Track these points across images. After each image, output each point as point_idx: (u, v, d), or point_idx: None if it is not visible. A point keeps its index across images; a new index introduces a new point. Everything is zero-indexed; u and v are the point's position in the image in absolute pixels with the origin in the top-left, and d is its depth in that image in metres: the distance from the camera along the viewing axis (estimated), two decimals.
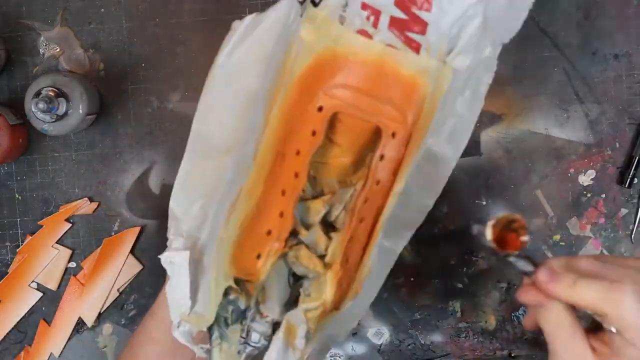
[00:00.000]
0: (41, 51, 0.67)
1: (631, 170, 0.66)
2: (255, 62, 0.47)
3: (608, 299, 0.43)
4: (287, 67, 0.46)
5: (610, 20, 0.66)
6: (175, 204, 0.48)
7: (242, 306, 0.46)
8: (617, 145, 0.66)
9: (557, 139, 0.66)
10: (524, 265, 0.45)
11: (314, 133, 0.46)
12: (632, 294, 0.43)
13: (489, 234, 0.44)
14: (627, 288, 0.43)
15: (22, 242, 0.67)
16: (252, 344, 0.46)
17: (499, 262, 0.67)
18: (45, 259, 0.67)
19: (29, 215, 0.67)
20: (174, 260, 0.46)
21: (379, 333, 0.67)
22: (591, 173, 0.67)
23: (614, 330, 0.44)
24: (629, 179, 0.66)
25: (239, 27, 0.48)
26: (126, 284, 0.67)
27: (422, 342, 0.68)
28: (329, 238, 0.47)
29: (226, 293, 0.45)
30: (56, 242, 0.67)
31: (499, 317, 0.67)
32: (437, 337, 0.68)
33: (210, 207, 0.47)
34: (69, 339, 0.67)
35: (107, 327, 0.68)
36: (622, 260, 0.47)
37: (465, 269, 0.67)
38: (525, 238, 0.44)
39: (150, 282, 0.68)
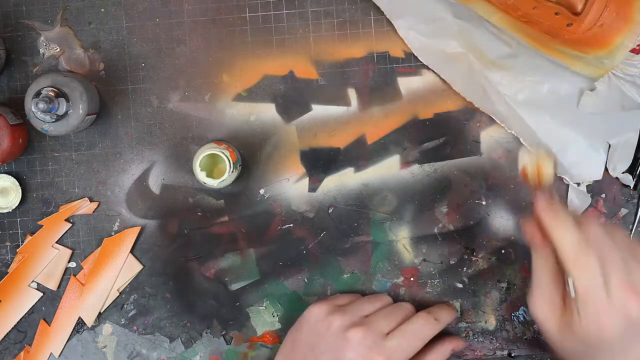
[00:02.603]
0: (41, 51, 0.67)
1: (636, 171, 0.65)
2: None
3: (576, 257, 0.46)
4: None
5: None
6: None
7: None
8: None
9: None
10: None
11: None
12: (595, 265, 0.45)
13: (523, 159, 0.46)
14: (594, 259, 0.45)
15: (22, 242, 0.67)
16: None
17: (499, 262, 0.67)
18: (45, 259, 0.67)
19: (29, 215, 0.67)
20: None
21: None
22: None
23: (571, 286, 0.47)
24: (634, 181, 0.65)
25: None
26: (126, 284, 0.67)
27: None
28: None
29: None
30: (56, 242, 0.67)
31: (499, 317, 0.67)
32: None
33: None
34: (69, 339, 0.67)
35: (106, 327, 0.68)
36: (617, 233, 0.50)
37: (465, 269, 0.67)
38: (550, 173, 0.48)
39: (150, 282, 0.68)
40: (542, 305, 0.50)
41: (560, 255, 0.48)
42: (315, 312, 0.60)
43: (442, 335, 0.63)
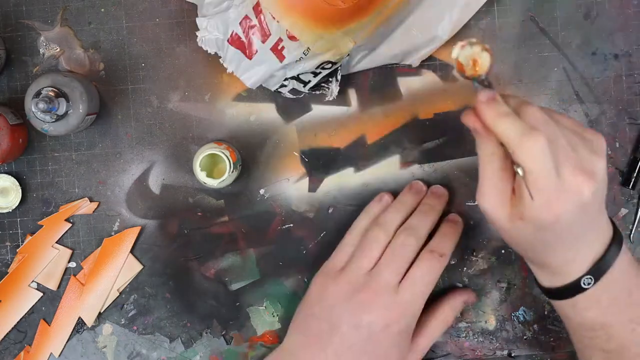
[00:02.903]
0: (41, 51, 0.67)
1: (635, 171, 0.65)
2: None
3: (522, 140, 0.45)
4: None
5: (610, 20, 0.66)
6: None
7: None
8: (617, 145, 0.66)
9: None
10: (481, 90, 0.47)
11: None
12: (543, 143, 0.45)
13: (455, 53, 0.46)
14: (541, 137, 0.45)
15: (22, 242, 0.67)
16: None
17: (499, 262, 0.67)
18: (45, 259, 0.67)
19: (29, 215, 0.67)
20: None
21: None
22: None
23: (520, 173, 0.46)
24: (632, 181, 0.65)
25: None
26: (126, 284, 0.67)
27: None
28: None
29: None
30: (56, 242, 0.67)
31: (499, 317, 0.67)
32: None
33: None
34: (69, 339, 0.68)
35: (106, 327, 0.68)
36: (558, 117, 0.49)
37: (465, 269, 0.67)
38: (485, 63, 0.46)
39: (150, 282, 0.68)
40: (491, 195, 0.48)
41: (507, 144, 0.46)
42: (319, 283, 0.60)
43: (454, 288, 0.65)
